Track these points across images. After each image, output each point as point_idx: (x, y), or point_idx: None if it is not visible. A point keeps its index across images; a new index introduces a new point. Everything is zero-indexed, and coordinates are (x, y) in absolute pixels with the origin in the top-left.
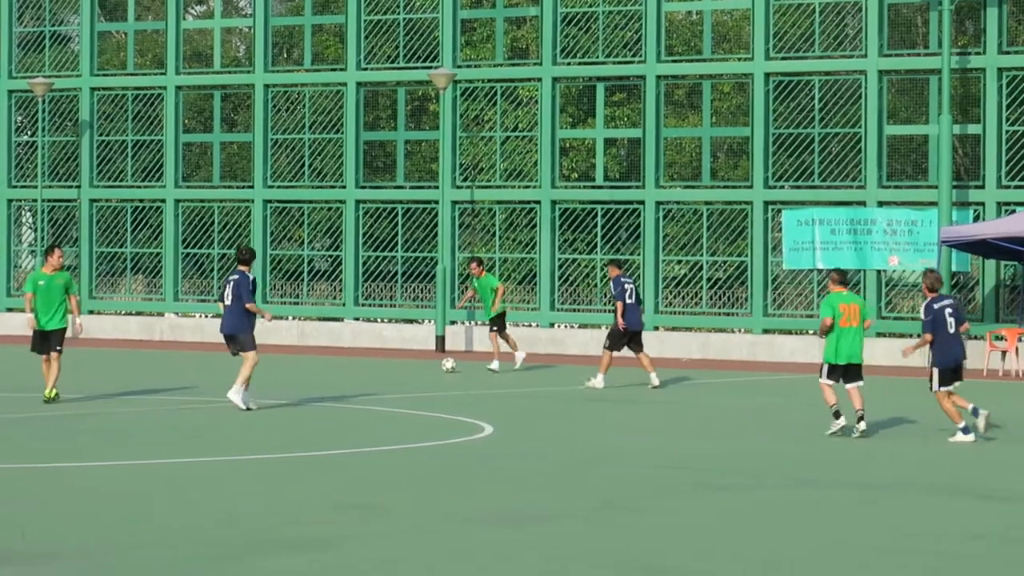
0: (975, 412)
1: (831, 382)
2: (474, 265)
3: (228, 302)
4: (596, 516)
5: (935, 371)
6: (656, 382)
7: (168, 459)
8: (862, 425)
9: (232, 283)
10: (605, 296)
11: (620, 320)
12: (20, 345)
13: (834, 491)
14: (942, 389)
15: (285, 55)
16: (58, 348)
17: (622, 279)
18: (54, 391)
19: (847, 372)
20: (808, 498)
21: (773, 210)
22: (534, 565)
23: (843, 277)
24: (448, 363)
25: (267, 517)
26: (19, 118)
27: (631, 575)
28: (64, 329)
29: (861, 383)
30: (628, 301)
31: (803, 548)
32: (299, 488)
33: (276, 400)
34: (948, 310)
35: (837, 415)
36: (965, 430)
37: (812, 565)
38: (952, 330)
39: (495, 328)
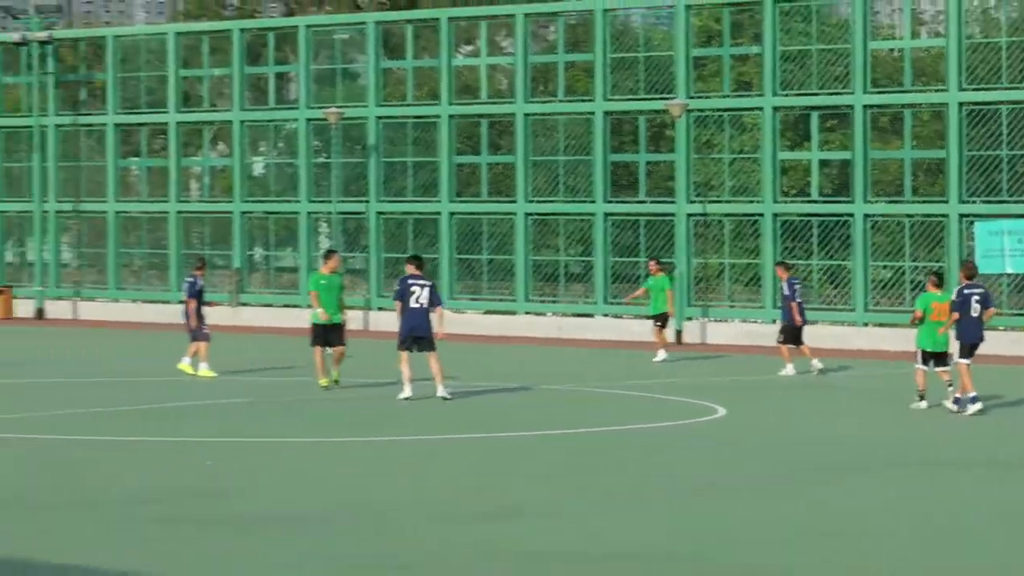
0: (967, 401)
1: (925, 367)
2: (653, 264)
3: (425, 304)
4: (825, 483)
5: (958, 345)
6: (820, 365)
7: (442, 435)
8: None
9: (428, 288)
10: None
11: (797, 317)
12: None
13: None
14: (961, 361)
15: (542, 88)
16: (342, 343)
17: (793, 280)
18: (330, 378)
19: (937, 358)
20: None
21: (967, 222)
22: (755, 525)
23: (940, 280)
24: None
25: (510, 485)
26: (316, 143)
27: (832, 537)
28: (341, 324)
29: (949, 367)
30: (797, 300)
31: None
32: (542, 461)
33: (548, 385)
34: (975, 297)
35: (922, 397)
36: (957, 401)
37: None
38: (976, 314)
39: (659, 324)
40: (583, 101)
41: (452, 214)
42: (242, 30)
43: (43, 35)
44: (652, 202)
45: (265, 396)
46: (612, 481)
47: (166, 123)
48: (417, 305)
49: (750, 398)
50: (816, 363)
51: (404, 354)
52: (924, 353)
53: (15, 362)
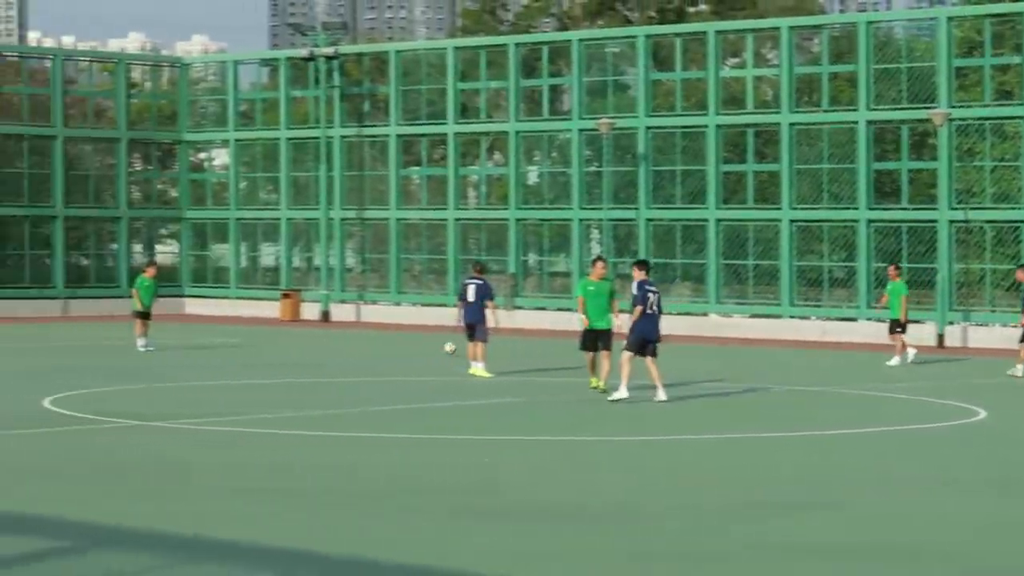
0: None
1: None
2: (892, 270)
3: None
4: None
5: None
6: None
7: (719, 435)
8: None
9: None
10: None
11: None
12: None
13: None
14: None
15: (806, 98)
16: (606, 347)
17: None
18: (601, 383)
19: None
20: None
21: None
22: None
23: None
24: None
25: (788, 484)
26: (588, 152)
27: None
28: (610, 330)
29: None
30: None
31: None
32: (818, 459)
33: (806, 387)
34: None
35: None
36: None
37: None
38: None
39: (898, 329)
40: (847, 111)
41: (719, 220)
42: (517, 44)
43: (329, 51)
44: (914, 209)
45: (539, 396)
46: (891, 478)
47: (445, 134)
48: (651, 311)
49: (1011, 401)
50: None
51: (629, 354)
52: None
53: (302, 363)
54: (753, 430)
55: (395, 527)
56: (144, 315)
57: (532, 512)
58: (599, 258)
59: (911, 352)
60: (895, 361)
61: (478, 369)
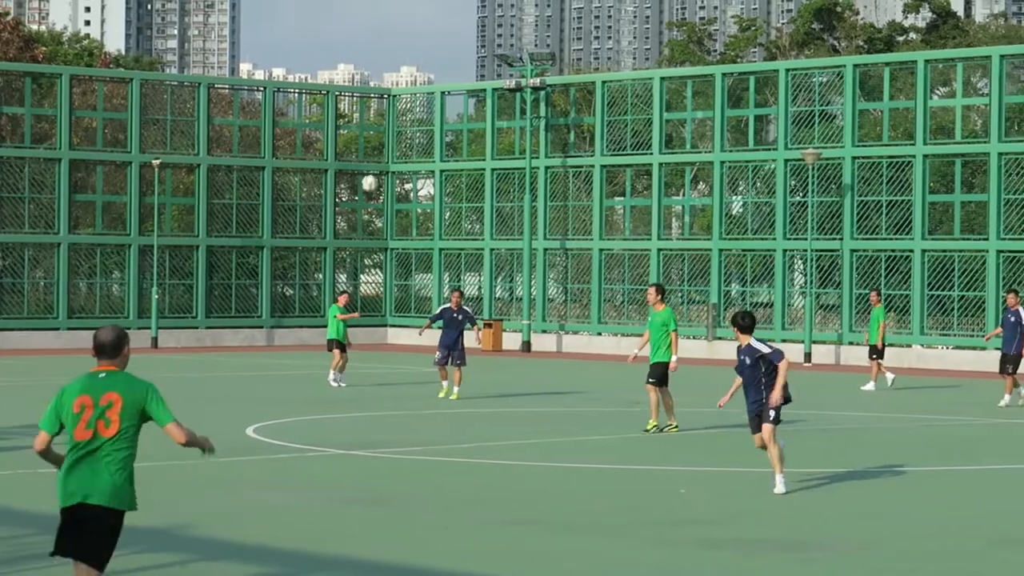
0: None
1: None
2: (873, 296)
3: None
4: None
5: None
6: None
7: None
8: None
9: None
10: None
11: None
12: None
13: None
14: None
15: (1015, 127)
16: (652, 381)
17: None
18: (653, 423)
19: None
20: None
21: None
22: None
23: None
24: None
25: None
26: (792, 182)
27: None
28: (664, 363)
29: None
30: None
31: None
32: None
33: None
34: None
35: None
36: None
37: None
38: None
39: (874, 356)
40: None
41: (924, 251)
42: (724, 74)
43: (536, 81)
44: None
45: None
46: None
47: (650, 164)
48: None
49: None
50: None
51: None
52: None
53: (503, 392)
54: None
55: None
56: (340, 346)
57: (749, 542)
58: (656, 285)
59: (889, 376)
60: (870, 386)
61: (455, 392)
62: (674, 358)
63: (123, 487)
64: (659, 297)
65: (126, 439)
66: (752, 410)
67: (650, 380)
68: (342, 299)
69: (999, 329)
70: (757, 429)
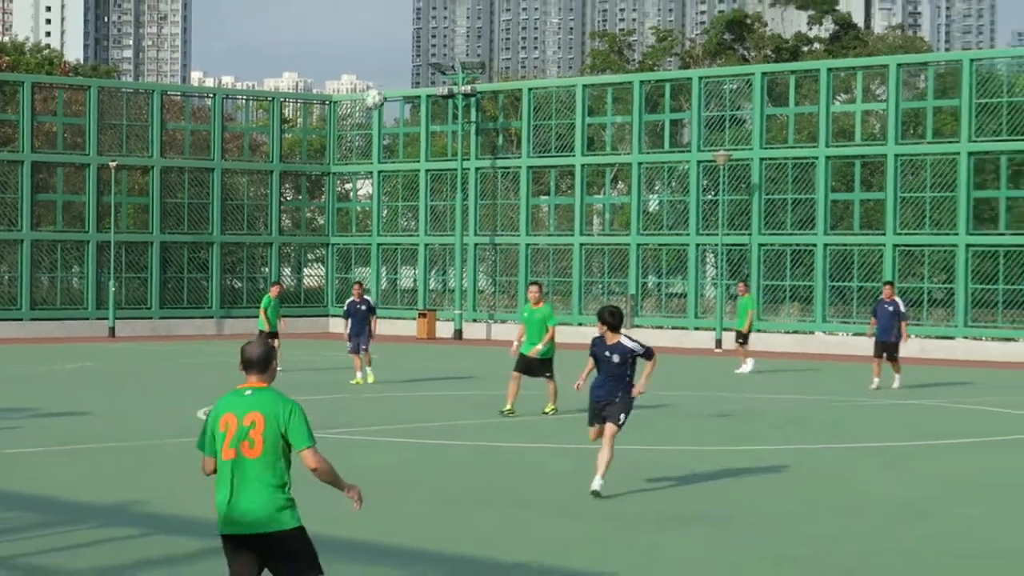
0: None
1: None
2: (741, 287)
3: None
4: None
5: None
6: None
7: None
8: None
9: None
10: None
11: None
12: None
13: None
14: None
15: (911, 131)
16: (544, 375)
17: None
18: (509, 408)
19: None
20: None
21: None
22: None
23: None
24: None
25: (910, 494)
26: (705, 181)
27: None
28: (548, 359)
29: None
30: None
31: None
32: (930, 469)
33: (927, 400)
34: None
35: None
36: None
37: None
38: None
39: (740, 340)
40: (950, 143)
41: (826, 245)
42: (642, 82)
43: (467, 89)
44: (1011, 234)
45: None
46: (998, 486)
47: (573, 165)
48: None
49: None
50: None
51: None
52: None
53: (435, 376)
54: (875, 440)
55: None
56: (271, 336)
57: (668, 517)
58: (534, 282)
59: (751, 362)
60: (744, 368)
61: (370, 376)
62: (538, 347)
63: (276, 508)
64: (539, 295)
65: (271, 458)
66: (600, 401)
67: (544, 374)
68: (274, 290)
69: (874, 321)
70: (596, 422)
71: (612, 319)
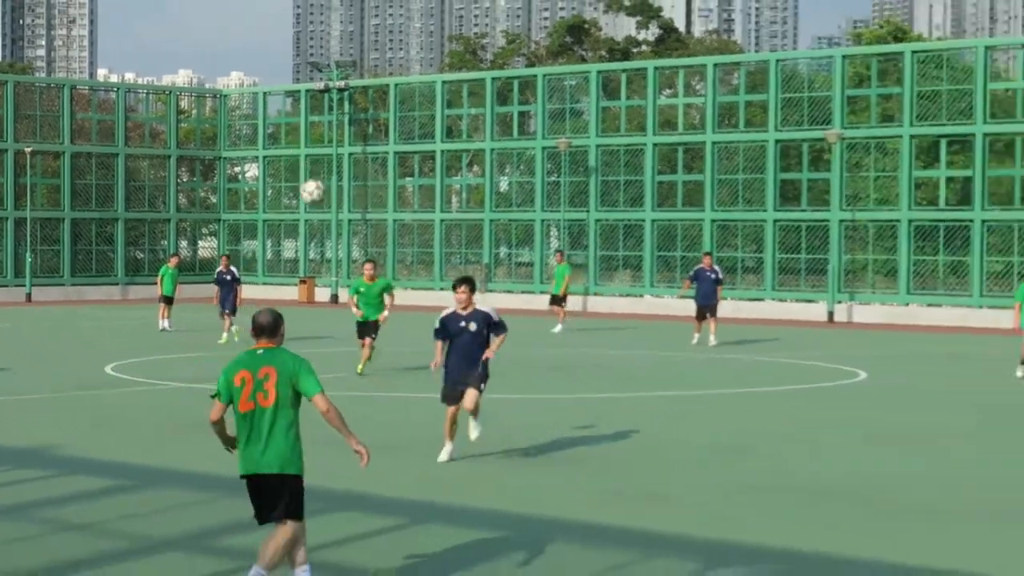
0: None
1: None
2: (558, 256)
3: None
4: (950, 439)
5: None
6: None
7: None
8: None
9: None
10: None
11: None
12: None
13: None
14: None
15: (726, 121)
16: (373, 336)
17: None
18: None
19: None
20: None
21: None
22: (908, 467)
23: None
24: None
25: (720, 436)
26: (549, 165)
27: (984, 479)
28: (377, 321)
29: None
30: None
31: None
32: (741, 414)
33: (732, 355)
34: None
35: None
36: None
37: None
38: None
39: (561, 303)
40: (759, 132)
41: (654, 221)
42: (493, 79)
43: (341, 84)
44: (812, 211)
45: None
46: (802, 430)
47: (434, 150)
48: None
49: (886, 367)
50: (713, 340)
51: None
52: None
53: (314, 336)
54: (693, 388)
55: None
56: (167, 300)
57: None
58: (370, 260)
59: (560, 326)
60: (559, 328)
61: (235, 334)
62: (384, 314)
63: (289, 453)
64: (375, 271)
65: (284, 408)
66: (456, 379)
67: (371, 335)
68: (172, 260)
69: (688, 283)
70: (454, 401)
71: (471, 284)
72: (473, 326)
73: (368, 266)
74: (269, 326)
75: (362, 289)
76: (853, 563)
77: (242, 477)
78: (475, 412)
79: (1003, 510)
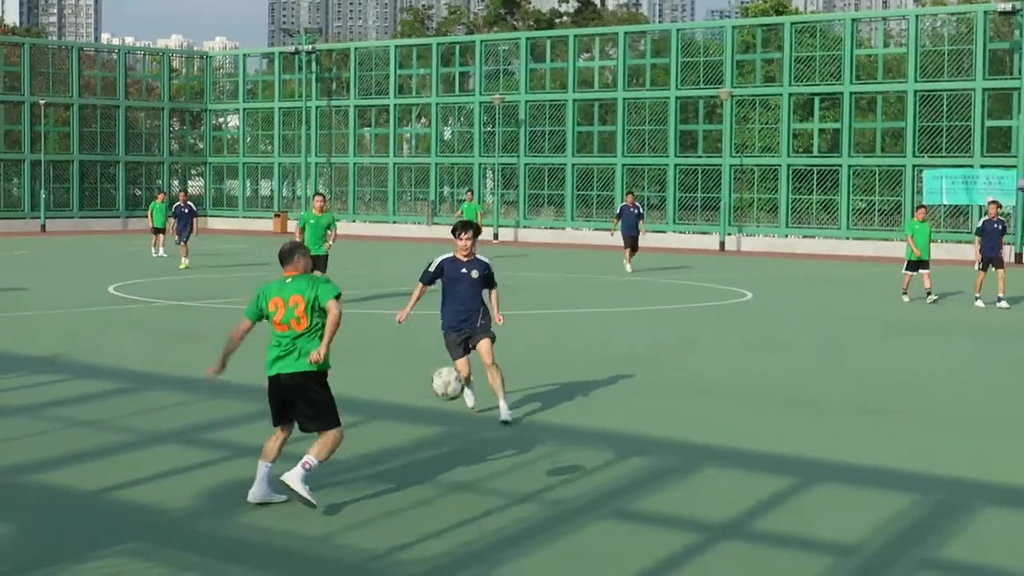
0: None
1: (910, 272)
2: (469, 195)
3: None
4: (820, 347)
5: (980, 258)
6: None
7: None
8: (931, 297)
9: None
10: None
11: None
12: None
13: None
14: (994, 269)
15: (635, 81)
16: (323, 270)
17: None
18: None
19: (920, 265)
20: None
21: (917, 169)
22: (788, 370)
23: (925, 212)
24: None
25: (631, 346)
26: (485, 117)
27: (846, 378)
28: (325, 256)
29: (929, 271)
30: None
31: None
32: (647, 328)
33: (633, 278)
34: (995, 224)
35: (905, 293)
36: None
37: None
38: (993, 237)
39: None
40: (663, 90)
41: (574, 165)
42: (438, 44)
43: (309, 48)
44: (707, 157)
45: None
46: (695, 340)
47: (388, 105)
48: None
49: (768, 288)
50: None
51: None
52: (909, 262)
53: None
54: (605, 306)
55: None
56: (157, 231)
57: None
58: (318, 193)
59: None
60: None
61: (185, 263)
62: (328, 243)
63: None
64: (324, 204)
65: (316, 328)
66: (462, 330)
67: (321, 270)
68: (160, 197)
69: (616, 221)
70: (462, 353)
71: (476, 231)
72: (475, 273)
73: (318, 198)
74: (282, 255)
75: (311, 220)
76: (737, 453)
77: (271, 378)
78: (499, 392)
79: (870, 407)
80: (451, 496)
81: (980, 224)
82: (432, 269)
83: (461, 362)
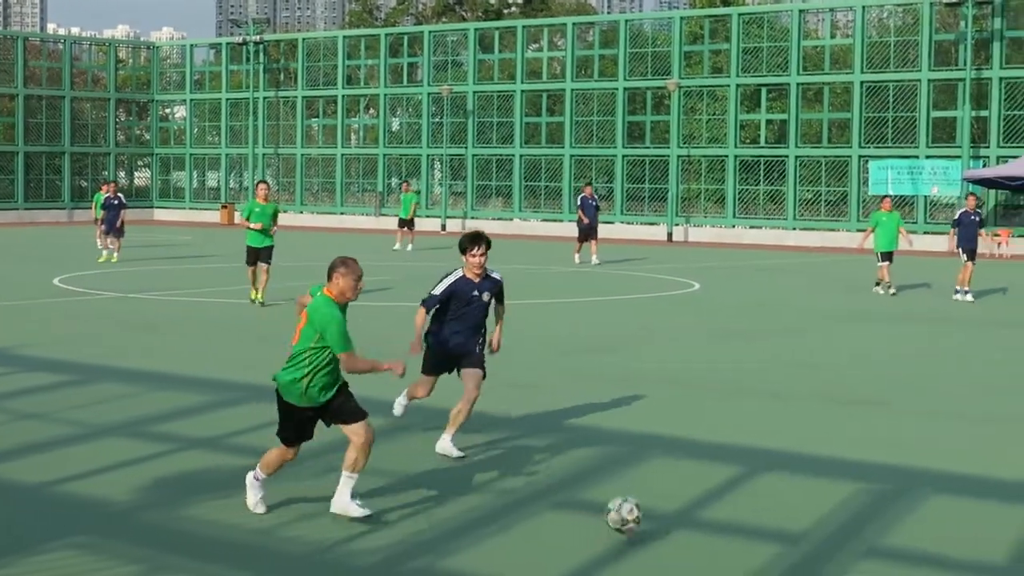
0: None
1: (883, 263)
2: (405, 185)
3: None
4: (776, 335)
5: (959, 249)
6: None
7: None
8: (892, 289)
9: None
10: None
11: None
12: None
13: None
14: (967, 261)
15: (583, 72)
16: (269, 261)
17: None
18: (260, 296)
19: (887, 256)
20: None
21: (863, 160)
22: (741, 360)
23: (891, 202)
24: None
25: (582, 335)
26: (434, 108)
27: (798, 367)
28: (271, 246)
29: (891, 263)
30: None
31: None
32: (598, 318)
33: (587, 269)
34: (972, 216)
35: (879, 283)
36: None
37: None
38: (970, 228)
39: (405, 227)
40: (611, 81)
41: (522, 156)
42: (387, 35)
43: (257, 38)
44: (655, 148)
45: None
46: (652, 330)
47: (336, 95)
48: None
49: (717, 278)
50: (595, 259)
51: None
52: (881, 254)
53: (234, 252)
54: (556, 297)
55: None
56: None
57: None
58: (262, 181)
59: (405, 243)
60: (397, 247)
61: (114, 257)
62: (274, 229)
63: (287, 382)
64: (268, 192)
65: (301, 347)
66: (455, 349)
67: (267, 261)
68: (104, 188)
69: (581, 211)
70: (440, 371)
71: (488, 245)
72: (486, 296)
73: (262, 186)
74: (329, 270)
75: (256, 209)
76: (693, 443)
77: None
78: (456, 422)
79: (828, 394)
80: (400, 487)
81: (957, 216)
82: (439, 294)
83: (428, 380)
